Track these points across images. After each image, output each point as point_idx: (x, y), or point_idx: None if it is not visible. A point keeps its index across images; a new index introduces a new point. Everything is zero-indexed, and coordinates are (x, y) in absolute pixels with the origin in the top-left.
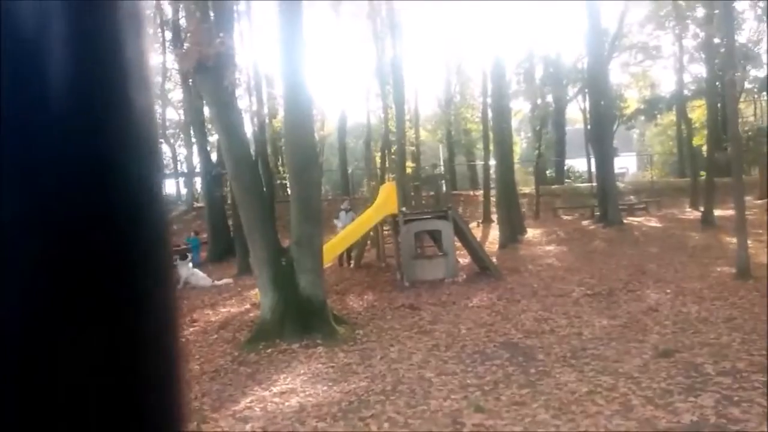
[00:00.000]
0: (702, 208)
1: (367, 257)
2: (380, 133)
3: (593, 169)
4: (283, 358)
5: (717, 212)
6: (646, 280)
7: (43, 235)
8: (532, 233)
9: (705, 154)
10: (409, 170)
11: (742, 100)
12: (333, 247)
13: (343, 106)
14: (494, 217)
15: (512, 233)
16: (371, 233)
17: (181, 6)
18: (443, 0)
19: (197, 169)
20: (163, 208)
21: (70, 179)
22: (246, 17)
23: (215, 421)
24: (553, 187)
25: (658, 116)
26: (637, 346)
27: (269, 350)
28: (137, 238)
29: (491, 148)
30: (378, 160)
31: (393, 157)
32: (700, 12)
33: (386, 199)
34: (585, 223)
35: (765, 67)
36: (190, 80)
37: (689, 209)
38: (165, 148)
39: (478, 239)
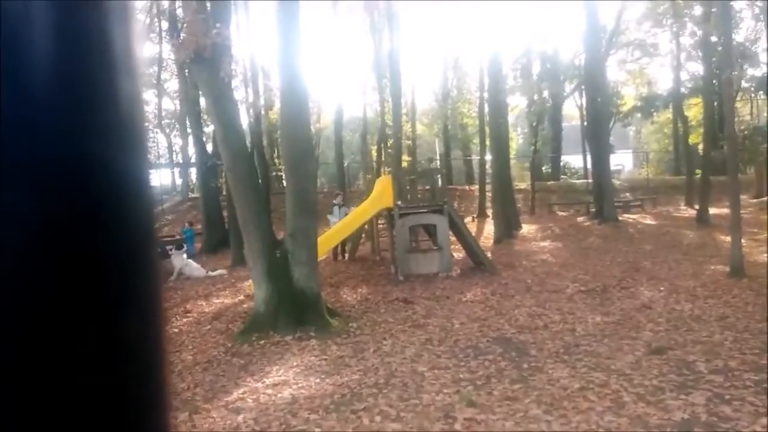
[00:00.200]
0: (697, 206)
1: (361, 250)
2: (377, 126)
3: (589, 165)
4: (276, 350)
5: (712, 210)
6: (640, 278)
7: (25, 227)
8: (527, 229)
9: (701, 152)
10: (405, 164)
11: (738, 98)
12: (328, 240)
13: (340, 98)
14: (489, 212)
15: (507, 228)
16: (366, 226)
17: None
18: None
19: (192, 160)
20: (150, 200)
21: (53, 171)
22: (243, 8)
23: (207, 412)
24: (549, 183)
25: (655, 114)
26: (630, 343)
27: (262, 342)
28: (122, 232)
29: (487, 143)
30: (374, 153)
31: (389, 150)
32: (698, 10)
33: (382, 193)
34: (580, 219)
35: (762, 66)
36: (186, 71)
37: (684, 207)
38: (160, 138)
39: (473, 234)
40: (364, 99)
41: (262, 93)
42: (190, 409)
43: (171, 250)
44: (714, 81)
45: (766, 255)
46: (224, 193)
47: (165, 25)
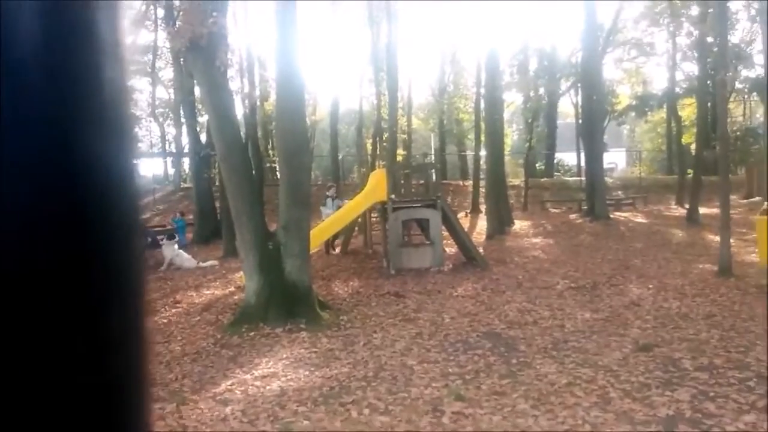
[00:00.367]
0: (688, 206)
1: (354, 243)
2: (372, 120)
3: (583, 163)
4: (265, 341)
5: (702, 210)
6: (630, 275)
7: (6, 219)
8: (519, 225)
9: (693, 152)
10: (399, 158)
11: (732, 99)
12: (321, 233)
13: (336, 91)
14: (483, 207)
15: (500, 224)
16: (359, 220)
17: None
18: None
19: (186, 150)
20: (136, 191)
21: (35, 162)
22: None
23: (195, 403)
24: (543, 180)
25: (649, 113)
26: (618, 339)
27: (252, 334)
28: (106, 223)
29: (482, 138)
30: (369, 146)
31: (384, 144)
32: (695, 10)
33: (375, 186)
34: (572, 216)
35: (756, 67)
36: (182, 59)
37: (675, 206)
38: (154, 128)
39: (466, 229)
40: (360, 92)
41: (257, 84)
42: (177, 401)
43: (162, 240)
44: (708, 82)
45: (753, 255)
46: (217, 183)
47: (161, 12)
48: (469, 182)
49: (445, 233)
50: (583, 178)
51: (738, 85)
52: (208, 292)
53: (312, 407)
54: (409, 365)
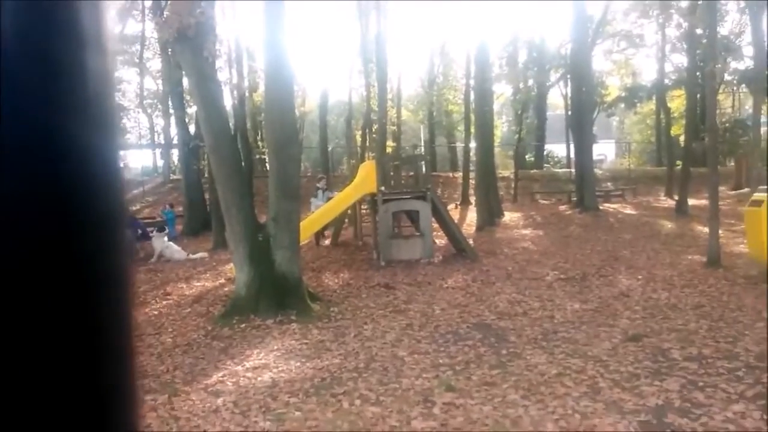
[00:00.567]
0: (677, 197)
1: (344, 235)
2: (362, 111)
3: (572, 154)
4: (256, 333)
5: (691, 201)
6: (619, 266)
7: None
8: (509, 217)
9: (682, 143)
10: (389, 150)
11: (721, 91)
12: (310, 224)
13: (325, 83)
14: (472, 199)
15: (490, 216)
16: (349, 211)
17: None
18: None
19: (174, 141)
20: (120, 181)
21: (18, 151)
22: None
23: (187, 395)
24: (532, 171)
25: (638, 105)
26: (607, 330)
27: (243, 325)
28: (90, 213)
29: (472, 130)
30: (359, 138)
31: (374, 136)
32: (684, 2)
33: (365, 178)
34: (562, 208)
35: (745, 59)
36: (170, 50)
37: (664, 197)
38: (142, 119)
39: (456, 221)
40: (349, 83)
41: (246, 74)
42: (169, 392)
43: (152, 232)
44: (698, 73)
45: (742, 246)
46: (206, 175)
47: (148, 2)
48: (459, 174)
49: (435, 225)
50: (573, 170)
51: (727, 77)
52: (198, 283)
53: (303, 398)
54: (399, 356)
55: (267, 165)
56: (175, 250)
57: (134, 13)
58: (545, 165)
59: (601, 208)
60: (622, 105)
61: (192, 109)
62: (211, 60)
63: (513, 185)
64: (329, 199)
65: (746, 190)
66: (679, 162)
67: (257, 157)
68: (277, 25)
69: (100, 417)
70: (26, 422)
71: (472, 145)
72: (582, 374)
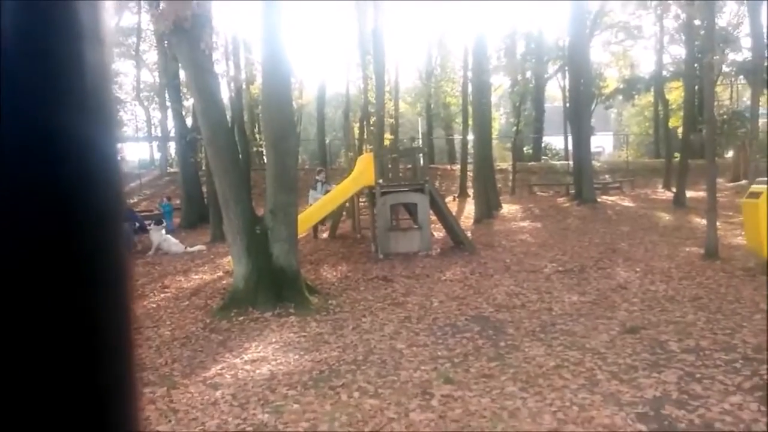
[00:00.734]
0: (674, 189)
1: (342, 228)
2: (359, 103)
3: (570, 147)
4: (254, 326)
5: (689, 193)
6: (617, 258)
7: None
8: (507, 209)
9: (680, 135)
10: (387, 142)
11: (719, 83)
12: (308, 217)
13: (323, 75)
14: (470, 191)
15: (488, 208)
16: (347, 204)
17: None
18: None
19: (171, 134)
20: (117, 175)
21: (14, 145)
22: None
23: (185, 387)
24: (530, 163)
25: (636, 97)
26: (605, 322)
27: (241, 318)
28: (88, 207)
29: (470, 122)
30: (356, 130)
31: (371, 128)
32: None
33: (363, 171)
34: (560, 200)
35: (743, 50)
36: (166, 42)
37: (662, 189)
38: (139, 111)
39: (454, 213)
40: (347, 76)
41: (243, 67)
42: (168, 385)
43: (150, 225)
44: (696, 65)
45: (740, 238)
46: (203, 168)
47: None
48: (457, 166)
49: (433, 217)
50: (571, 162)
51: (725, 69)
52: (196, 276)
53: (302, 391)
54: (398, 349)
55: (264, 158)
56: (173, 243)
57: (130, 5)
58: (543, 157)
59: (599, 200)
60: (620, 97)
61: (189, 102)
62: (207, 52)
63: (511, 177)
64: (327, 191)
65: (744, 181)
66: (677, 154)
67: (255, 149)
68: (274, 18)
69: (99, 411)
70: (27, 416)
71: (470, 137)
72: (580, 366)
